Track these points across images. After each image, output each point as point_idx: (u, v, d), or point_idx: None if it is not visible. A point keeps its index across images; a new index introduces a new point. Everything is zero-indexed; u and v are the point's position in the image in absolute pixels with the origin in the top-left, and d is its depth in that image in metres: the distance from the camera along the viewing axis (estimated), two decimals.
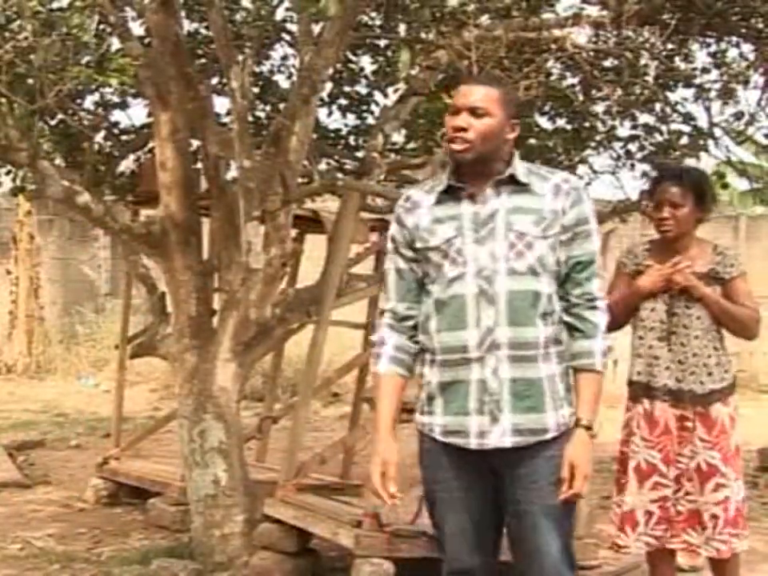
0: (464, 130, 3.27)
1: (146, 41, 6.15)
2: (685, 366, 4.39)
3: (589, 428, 3.31)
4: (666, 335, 4.40)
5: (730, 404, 4.43)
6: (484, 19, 5.96)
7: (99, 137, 7.07)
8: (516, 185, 3.33)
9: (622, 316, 4.36)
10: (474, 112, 3.29)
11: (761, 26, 5.99)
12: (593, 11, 6.20)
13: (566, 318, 3.34)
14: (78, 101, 6.75)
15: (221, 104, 6.61)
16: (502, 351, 3.24)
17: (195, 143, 6.18)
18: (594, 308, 3.35)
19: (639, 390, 4.46)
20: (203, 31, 6.89)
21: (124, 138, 7.22)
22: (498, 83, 3.52)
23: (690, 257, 4.40)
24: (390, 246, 3.46)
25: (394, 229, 3.45)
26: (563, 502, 3.29)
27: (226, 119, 6.65)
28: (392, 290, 3.43)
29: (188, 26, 6.71)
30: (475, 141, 3.28)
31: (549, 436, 3.28)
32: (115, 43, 6.19)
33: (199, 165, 6.12)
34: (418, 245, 3.36)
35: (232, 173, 6.03)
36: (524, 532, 3.33)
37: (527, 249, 3.27)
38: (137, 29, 6.31)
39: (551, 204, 3.31)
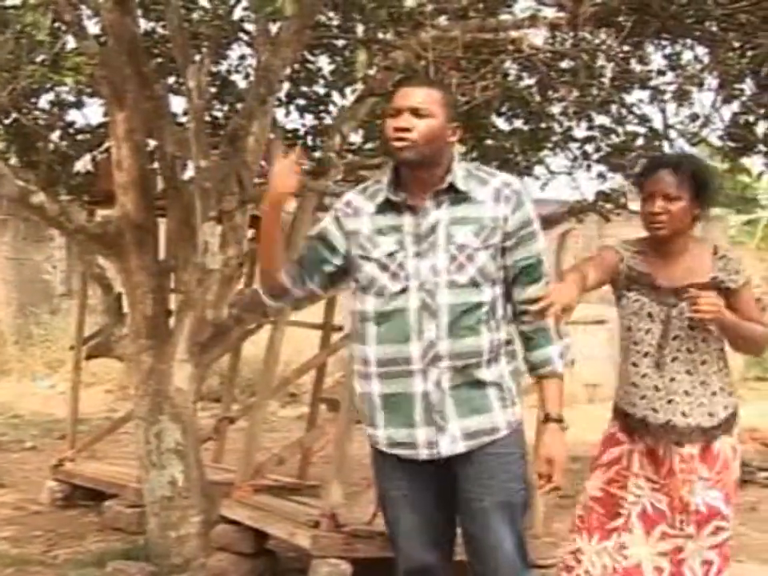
0: (407, 130, 3.24)
1: (102, 39, 6.11)
2: (691, 397, 3.72)
3: (559, 420, 3.36)
4: (665, 362, 3.72)
5: (732, 434, 3.78)
6: (441, 20, 5.97)
7: (54, 136, 7.03)
8: (456, 193, 3.30)
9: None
10: (416, 113, 3.26)
11: (715, 29, 6.04)
12: (549, 13, 6.23)
13: (520, 327, 3.39)
14: (33, 100, 6.71)
15: (177, 103, 6.58)
16: (443, 363, 3.25)
17: (152, 143, 6.14)
18: None
19: (637, 425, 3.78)
20: (160, 30, 6.86)
21: (79, 137, 7.17)
22: (439, 85, 3.54)
23: (686, 262, 3.74)
24: (314, 231, 3.46)
25: (327, 223, 3.41)
26: (515, 500, 3.33)
27: (182, 119, 6.61)
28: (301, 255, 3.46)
29: (144, 24, 6.68)
30: (418, 141, 3.24)
31: (501, 434, 3.31)
32: (70, 42, 6.15)
33: (155, 164, 6.09)
34: (356, 252, 3.33)
35: (189, 173, 6.01)
36: (478, 528, 3.34)
37: (468, 261, 3.27)
38: (92, 27, 6.28)
39: (492, 211, 3.30)
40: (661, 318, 3.70)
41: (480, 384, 3.29)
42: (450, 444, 3.27)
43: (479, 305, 3.28)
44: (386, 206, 3.32)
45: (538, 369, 3.40)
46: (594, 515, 3.80)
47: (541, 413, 3.41)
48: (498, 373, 3.31)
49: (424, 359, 3.25)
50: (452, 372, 3.26)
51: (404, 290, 3.26)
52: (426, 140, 3.25)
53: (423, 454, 3.30)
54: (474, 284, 3.28)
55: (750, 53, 5.87)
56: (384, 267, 3.28)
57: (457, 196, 3.30)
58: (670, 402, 3.71)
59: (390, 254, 3.28)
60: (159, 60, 6.75)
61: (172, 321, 5.85)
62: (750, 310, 3.73)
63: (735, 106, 6.80)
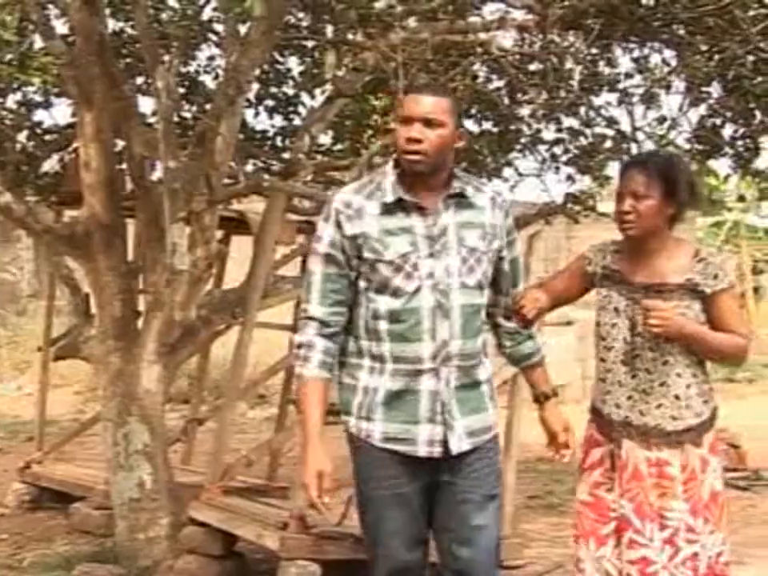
0: (419, 141, 3.28)
1: (70, 39, 6.08)
2: (650, 396, 3.60)
3: (556, 394, 3.68)
4: (630, 358, 3.63)
5: (702, 444, 3.63)
6: (410, 22, 5.98)
7: (22, 136, 6.99)
8: (462, 198, 3.38)
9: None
10: (427, 123, 3.29)
11: (682, 32, 6.08)
12: (518, 15, 6.26)
13: (506, 325, 3.59)
14: (0, 100, 6.66)
15: (146, 104, 6.57)
16: (453, 362, 3.33)
17: (120, 143, 6.12)
18: None
19: (605, 423, 3.70)
20: (128, 30, 6.83)
21: (47, 137, 7.14)
22: (447, 92, 3.58)
23: (661, 261, 3.63)
24: (317, 247, 3.38)
25: (327, 232, 3.37)
26: (498, 496, 3.46)
27: (151, 119, 6.59)
28: (317, 293, 3.36)
29: (113, 24, 6.66)
30: (430, 152, 3.29)
31: (492, 433, 3.44)
32: (38, 41, 6.11)
33: (124, 165, 6.07)
34: (367, 255, 3.31)
35: (157, 173, 5.99)
36: (461, 519, 3.38)
37: (477, 264, 3.36)
38: (60, 27, 6.24)
39: (491, 218, 3.41)
40: (627, 314, 3.62)
41: (478, 384, 3.41)
42: (458, 442, 3.34)
43: (480, 307, 3.41)
44: (393, 207, 3.34)
45: (530, 358, 3.65)
46: (587, 521, 3.71)
47: (535, 394, 3.67)
48: (487, 373, 3.46)
49: (436, 358, 3.31)
50: (459, 372, 3.34)
51: (418, 290, 3.30)
52: (438, 151, 3.30)
53: (422, 450, 3.33)
54: (479, 286, 3.39)
55: (716, 56, 5.91)
56: (398, 268, 3.30)
57: (462, 201, 3.38)
58: (629, 398, 3.63)
59: (404, 255, 3.31)
60: (127, 60, 6.73)
61: (140, 322, 5.83)
62: (726, 319, 3.59)
63: (702, 109, 6.85)
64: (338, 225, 3.35)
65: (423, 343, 3.30)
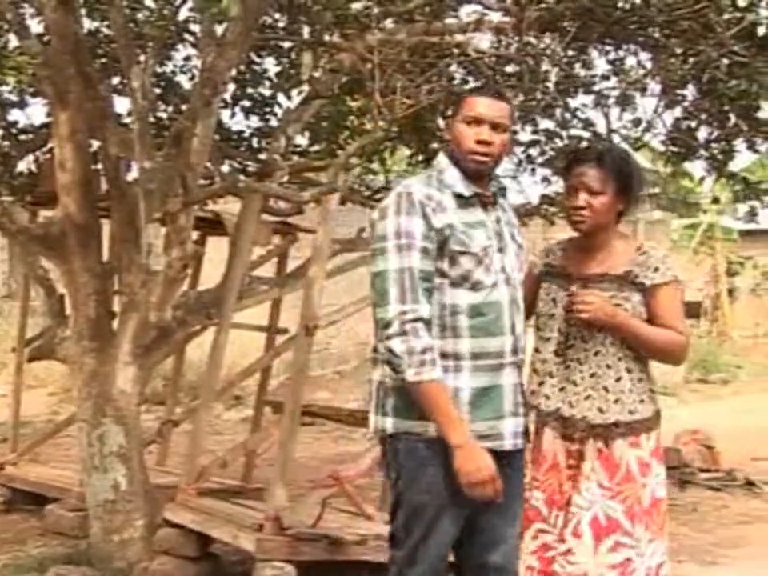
0: (488, 143, 3.35)
1: (45, 39, 6.06)
2: (579, 387, 3.55)
3: None
4: (563, 348, 3.59)
5: (641, 445, 3.55)
6: (387, 23, 5.98)
7: None
8: (502, 197, 3.51)
9: None
10: (495, 126, 3.35)
11: (657, 35, 6.10)
12: (495, 17, 6.27)
13: None
14: None
15: (121, 104, 6.54)
16: (522, 355, 3.42)
17: (95, 143, 6.10)
18: None
19: (533, 415, 3.61)
20: (104, 30, 6.81)
21: (22, 137, 7.11)
22: (508, 98, 3.63)
23: (603, 255, 3.60)
24: (410, 242, 3.23)
25: (415, 224, 3.25)
26: None
27: (126, 119, 6.57)
28: (419, 291, 3.22)
29: (88, 24, 6.63)
30: (496, 154, 3.39)
31: None
32: (13, 41, 6.09)
33: (99, 165, 6.04)
34: (455, 247, 3.28)
35: (132, 174, 5.97)
36: (504, 523, 3.42)
37: (521, 261, 3.49)
38: (35, 26, 6.22)
39: (514, 219, 3.56)
40: (564, 305, 3.56)
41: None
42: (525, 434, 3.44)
43: None
44: (466, 201, 3.36)
45: None
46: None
47: None
48: None
49: (515, 352, 3.36)
50: (521, 365, 3.43)
51: (495, 284, 3.34)
52: (501, 153, 3.42)
53: (507, 444, 3.36)
54: (522, 282, 3.49)
55: (691, 59, 5.93)
56: (480, 261, 3.32)
57: (501, 200, 3.49)
58: (562, 389, 3.57)
59: (485, 248, 3.34)
60: (103, 60, 6.71)
61: (115, 323, 5.81)
62: (665, 313, 3.54)
63: (677, 112, 6.88)
64: (425, 217, 3.27)
65: (505, 337, 3.34)
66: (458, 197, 3.34)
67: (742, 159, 8.35)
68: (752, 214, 7.83)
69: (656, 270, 3.55)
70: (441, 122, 7.31)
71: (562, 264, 3.68)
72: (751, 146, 6.90)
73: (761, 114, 6.53)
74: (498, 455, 3.29)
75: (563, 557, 3.53)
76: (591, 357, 3.54)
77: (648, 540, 3.53)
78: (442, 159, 3.44)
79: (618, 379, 3.53)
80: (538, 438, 3.63)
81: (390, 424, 3.33)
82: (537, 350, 3.66)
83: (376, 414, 3.38)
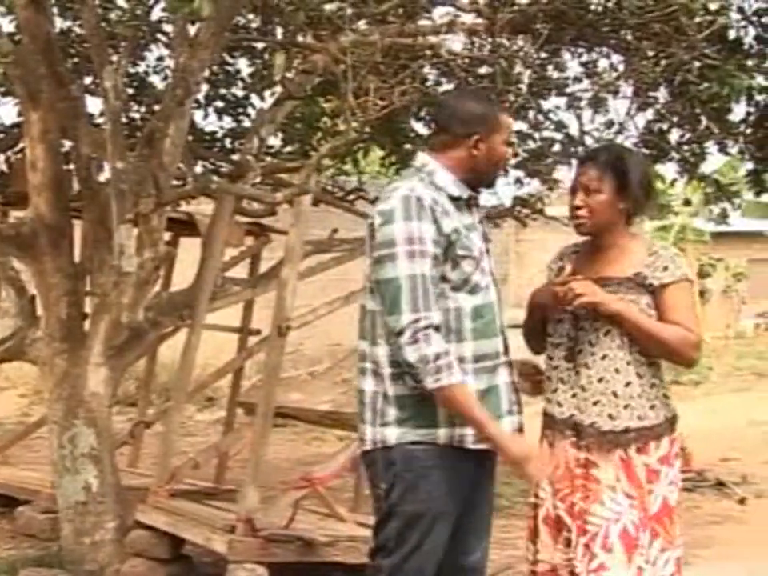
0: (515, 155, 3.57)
1: (16, 38, 6.03)
2: (587, 393, 3.47)
3: None
4: (573, 353, 3.51)
5: (649, 452, 3.47)
6: (360, 24, 5.99)
7: None
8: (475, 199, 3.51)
9: (528, 338, 3.70)
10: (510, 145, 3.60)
11: (630, 38, 6.13)
12: (468, 19, 6.28)
13: None
14: None
15: (94, 104, 6.51)
16: (510, 354, 3.42)
17: (67, 144, 6.07)
18: None
19: (547, 421, 3.58)
20: (76, 29, 6.79)
21: None
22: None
23: (612, 256, 3.54)
24: (422, 249, 3.18)
25: (425, 229, 3.19)
26: None
27: (99, 120, 6.55)
28: (429, 298, 3.17)
29: (60, 23, 6.61)
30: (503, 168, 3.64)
31: None
32: None
33: (71, 166, 6.01)
34: (459, 252, 3.26)
35: (105, 174, 5.94)
36: (481, 522, 3.45)
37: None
38: (6, 25, 6.19)
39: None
40: (550, 295, 3.50)
41: None
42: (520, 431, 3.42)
43: None
44: (459, 204, 3.35)
45: None
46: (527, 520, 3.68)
47: None
48: None
49: (506, 352, 3.38)
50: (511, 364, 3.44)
51: (488, 286, 3.35)
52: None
53: None
54: None
55: (663, 62, 5.96)
56: (477, 264, 3.31)
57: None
58: (573, 395, 3.49)
59: (481, 251, 3.36)
60: (75, 60, 6.68)
61: (87, 324, 5.79)
62: (674, 310, 3.46)
63: (649, 114, 6.93)
64: (436, 222, 3.22)
65: (498, 338, 3.35)
66: (453, 199, 3.32)
67: (714, 161, 8.40)
68: (723, 216, 7.88)
69: (665, 269, 3.48)
70: (414, 124, 7.35)
71: (573, 267, 3.56)
72: (722, 149, 6.96)
73: (732, 117, 6.59)
74: (491, 454, 3.32)
75: (595, 573, 3.39)
76: (599, 361, 3.46)
77: (659, 549, 3.44)
78: (429, 161, 3.36)
79: (628, 384, 3.45)
80: (552, 446, 3.54)
81: (392, 435, 3.24)
82: (549, 357, 3.59)
83: (373, 426, 3.27)
